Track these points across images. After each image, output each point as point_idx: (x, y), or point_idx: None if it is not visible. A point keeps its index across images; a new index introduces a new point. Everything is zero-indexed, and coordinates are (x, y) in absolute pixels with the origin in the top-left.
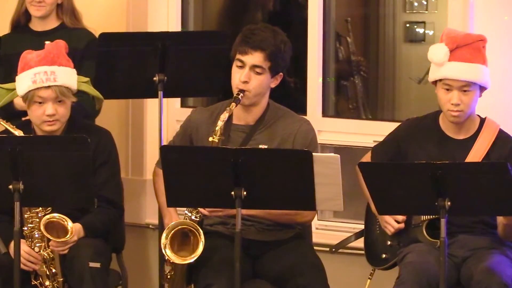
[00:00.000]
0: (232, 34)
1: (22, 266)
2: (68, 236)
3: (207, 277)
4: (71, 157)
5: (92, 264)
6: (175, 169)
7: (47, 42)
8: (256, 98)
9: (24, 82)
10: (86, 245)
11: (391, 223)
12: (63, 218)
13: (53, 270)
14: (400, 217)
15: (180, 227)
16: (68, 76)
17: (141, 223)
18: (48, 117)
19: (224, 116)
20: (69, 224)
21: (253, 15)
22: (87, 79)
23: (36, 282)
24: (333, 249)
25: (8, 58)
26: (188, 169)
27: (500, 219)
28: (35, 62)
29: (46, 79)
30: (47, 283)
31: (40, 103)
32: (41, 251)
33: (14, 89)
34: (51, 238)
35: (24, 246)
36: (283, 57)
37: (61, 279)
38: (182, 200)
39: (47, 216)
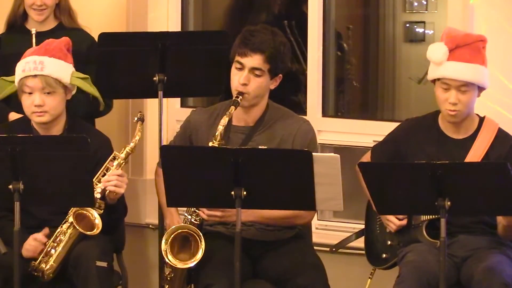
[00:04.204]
0: (234, 35)
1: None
2: (94, 231)
3: (207, 277)
4: (71, 157)
5: (99, 263)
6: (175, 169)
7: None
8: (255, 100)
9: (17, 71)
10: (93, 244)
11: (393, 220)
12: (93, 215)
13: (49, 264)
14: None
15: (180, 231)
16: (57, 68)
17: (141, 223)
18: (36, 108)
19: (224, 121)
20: (97, 221)
21: (257, 16)
22: (86, 76)
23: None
24: (333, 249)
25: (5, 58)
26: (188, 169)
27: (499, 219)
28: (29, 53)
29: (34, 68)
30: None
31: (29, 93)
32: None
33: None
34: (77, 227)
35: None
36: (282, 59)
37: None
38: (182, 200)
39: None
